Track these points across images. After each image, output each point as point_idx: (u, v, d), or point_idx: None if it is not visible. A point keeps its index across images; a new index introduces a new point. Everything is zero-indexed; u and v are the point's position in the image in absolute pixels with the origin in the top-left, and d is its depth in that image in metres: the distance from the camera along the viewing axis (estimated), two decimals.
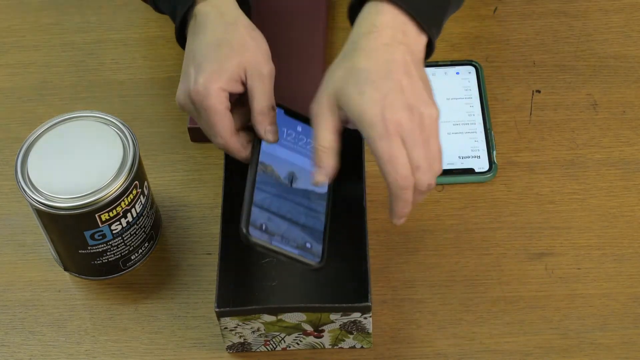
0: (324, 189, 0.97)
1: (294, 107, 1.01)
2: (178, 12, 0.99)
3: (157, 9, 1.05)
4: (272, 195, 0.94)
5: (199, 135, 1.12)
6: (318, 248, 0.92)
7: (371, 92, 0.89)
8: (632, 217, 1.06)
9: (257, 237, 0.91)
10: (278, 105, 0.99)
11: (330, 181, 0.95)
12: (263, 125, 0.95)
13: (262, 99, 0.95)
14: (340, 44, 1.19)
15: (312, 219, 0.94)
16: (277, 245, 0.91)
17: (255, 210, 0.92)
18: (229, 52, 0.94)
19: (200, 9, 0.97)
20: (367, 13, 0.93)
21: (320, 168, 0.92)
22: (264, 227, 0.91)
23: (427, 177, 0.90)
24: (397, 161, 0.89)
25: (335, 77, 0.91)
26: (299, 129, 0.99)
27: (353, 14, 0.96)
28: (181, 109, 0.98)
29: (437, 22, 0.94)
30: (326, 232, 0.94)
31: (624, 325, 1.00)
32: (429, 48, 0.95)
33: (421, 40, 0.93)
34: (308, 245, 0.92)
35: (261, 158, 0.96)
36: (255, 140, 0.97)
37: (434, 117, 0.90)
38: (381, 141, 0.89)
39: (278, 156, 0.97)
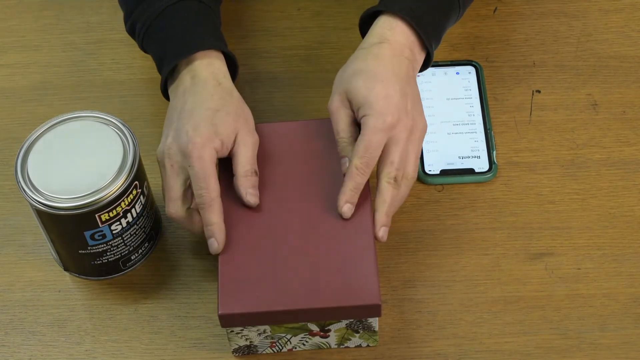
0: None
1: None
2: (168, 59, 1.02)
3: (142, 47, 1.07)
4: None
5: (230, 322, 0.95)
6: None
7: (379, 89, 0.98)
8: (632, 217, 1.06)
9: None
10: None
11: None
12: (245, 187, 0.99)
13: (246, 162, 1.00)
14: (340, 45, 1.19)
15: None
16: None
17: None
18: (225, 119, 0.99)
19: (197, 71, 1.01)
20: (380, 27, 1.01)
21: (345, 158, 0.99)
22: None
23: (397, 172, 0.98)
24: (371, 147, 0.97)
25: (344, 77, 1.00)
26: None
27: (364, 25, 1.04)
28: (161, 161, 1.00)
29: (438, 37, 1.04)
30: None
31: (624, 325, 1.00)
32: (427, 59, 1.04)
33: (422, 56, 1.03)
34: None
35: None
36: None
37: (423, 129, 1.00)
38: (374, 129, 0.97)
39: None
